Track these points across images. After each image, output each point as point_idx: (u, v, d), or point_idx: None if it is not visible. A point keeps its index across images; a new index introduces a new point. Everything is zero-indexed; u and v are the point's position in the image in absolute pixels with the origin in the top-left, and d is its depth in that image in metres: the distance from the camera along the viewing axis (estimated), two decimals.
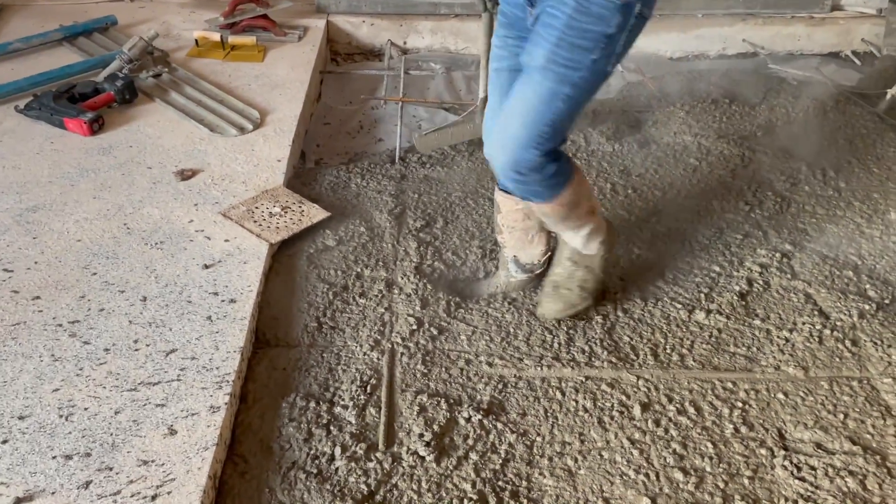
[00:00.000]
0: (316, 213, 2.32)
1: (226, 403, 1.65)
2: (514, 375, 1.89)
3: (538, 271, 2.14)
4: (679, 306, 2.13)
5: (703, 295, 2.17)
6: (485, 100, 2.58)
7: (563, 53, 1.58)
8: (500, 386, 1.86)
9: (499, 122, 1.74)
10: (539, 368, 1.91)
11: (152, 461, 1.52)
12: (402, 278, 2.18)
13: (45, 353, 1.76)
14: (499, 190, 2.02)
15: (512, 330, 2.03)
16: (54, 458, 1.51)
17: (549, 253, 2.11)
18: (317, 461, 1.64)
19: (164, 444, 1.55)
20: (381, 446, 1.68)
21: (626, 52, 1.65)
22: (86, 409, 1.62)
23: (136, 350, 1.78)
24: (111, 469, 1.50)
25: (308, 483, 1.59)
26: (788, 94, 3.33)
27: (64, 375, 1.70)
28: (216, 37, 3.22)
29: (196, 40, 3.22)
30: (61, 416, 1.60)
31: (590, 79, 1.63)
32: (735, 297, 2.16)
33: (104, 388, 1.68)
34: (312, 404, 1.77)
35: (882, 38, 3.53)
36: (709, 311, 2.10)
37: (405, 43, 3.80)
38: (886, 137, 3.00)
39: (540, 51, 1.60)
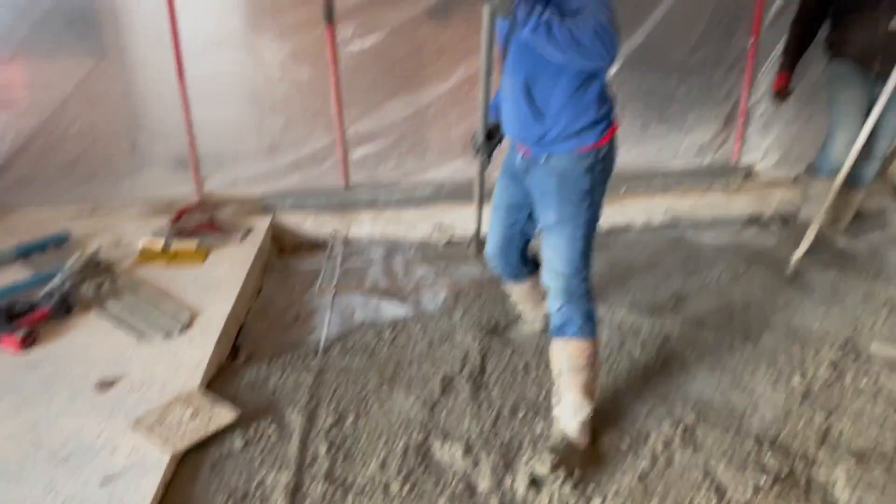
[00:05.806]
0: (224, 416, 2.38)
1: None
2: None
3: None
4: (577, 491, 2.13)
5: (603, 477, 2.18)
6: (477, 231, 2.91)
7: (566, 210, 2.22)
8: None
9: (546, 265, 2.34)
10: None
11: None
12: (308, 485, 2.19)
13: None
14: (505, 283, 2.86)
15: None
16: None
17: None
18: None
19: None
20: None
21: (606, 186, 2.27)
22: None
23: None
24: None
25: None
26: (704, 262, 3.49)
27: None
28: (160, 244, 3.45)
29: (141, 249, 3.44)
30: None
31: (591, 217, 2.25)
32: (635, 481, 2.16)
33: None
34: None
35: (799, 206, 3.72)
36: (605, 498, 2.10)
37: (348, 233, 4.05)
38: (793, 302, 3.11)
39: (550, 213, 2.26)
